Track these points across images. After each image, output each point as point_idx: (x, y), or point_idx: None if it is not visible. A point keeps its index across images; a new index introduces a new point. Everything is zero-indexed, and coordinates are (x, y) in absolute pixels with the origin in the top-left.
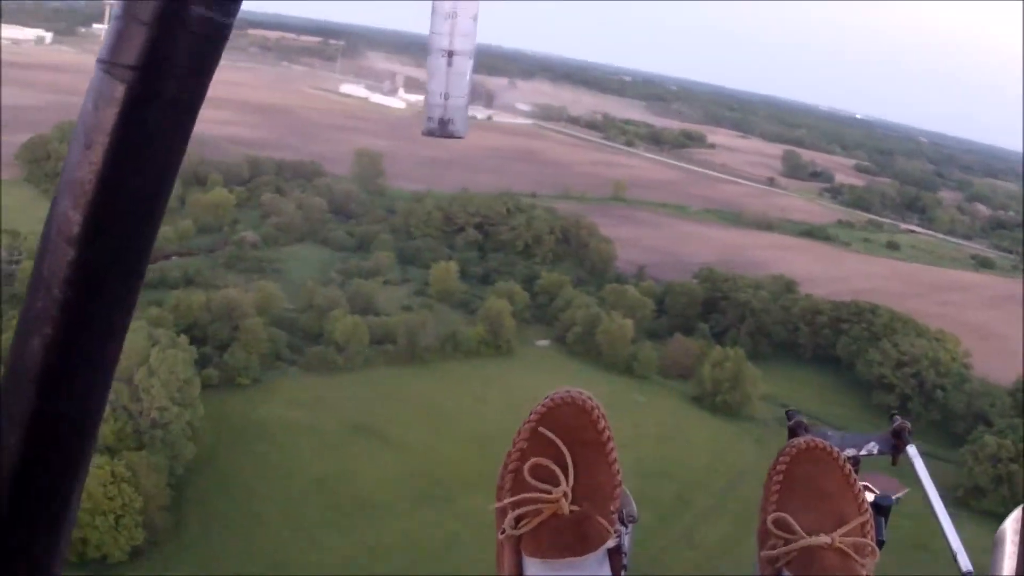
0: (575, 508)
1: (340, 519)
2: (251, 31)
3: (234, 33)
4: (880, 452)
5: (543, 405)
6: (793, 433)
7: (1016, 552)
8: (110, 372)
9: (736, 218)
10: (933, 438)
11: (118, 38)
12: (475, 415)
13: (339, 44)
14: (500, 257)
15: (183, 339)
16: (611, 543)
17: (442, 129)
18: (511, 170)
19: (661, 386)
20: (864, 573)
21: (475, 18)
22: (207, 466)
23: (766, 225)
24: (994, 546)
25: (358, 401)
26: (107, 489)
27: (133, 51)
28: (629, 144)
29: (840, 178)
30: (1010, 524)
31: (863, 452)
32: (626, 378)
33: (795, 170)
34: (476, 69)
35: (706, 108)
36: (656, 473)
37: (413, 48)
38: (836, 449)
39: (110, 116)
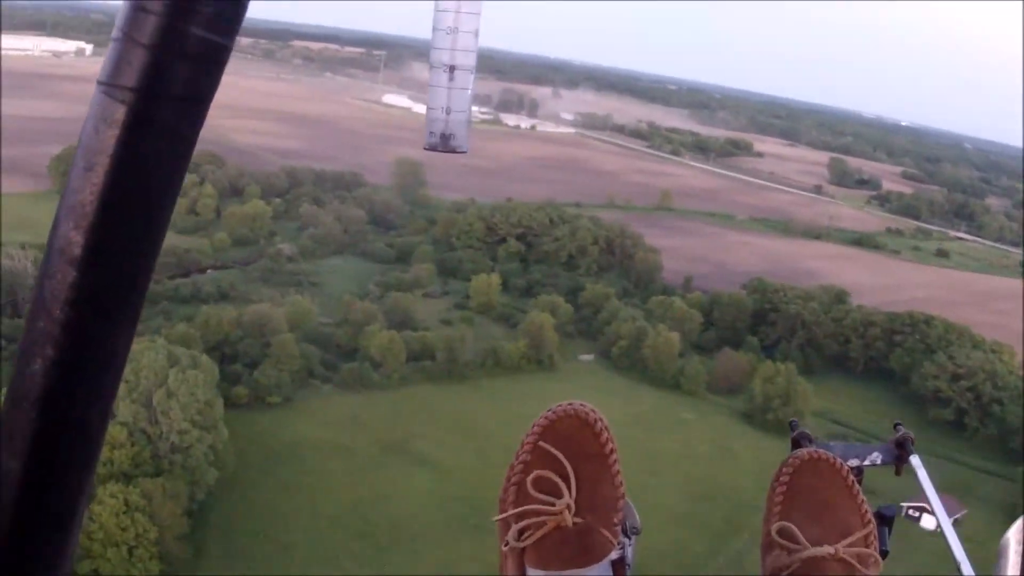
0: (578, 520)
1: (372, 549)
2: (295, 43)
3: (278, 45)
4: (883, 462)
5: (545, 418)
6: (796, 444)
7: (1020, 562)
8: (112, 393)
9: (784, 227)
10: (990, 454)
11: (118, 60)
12: (517, 434)
13: (382, 55)
14: (543, 269)
15: (205, 359)
16: (615, 555)
17: (444, 144)
18: (555, 179)
19: (709, 402)
20: None
21: (476, 33)
22: (231, 491)
23: (814, 234)
24: (998, 556)
25: (394, 420)
26: (120, 519)
27: (133, 73)
28: (675, 153)
29: (887, 185)
30: (1013, 534)
31: (866, 463)
32: (673, 394)
33: (842, 178)
34: (520, 79)
35: (752, 116)
36: (705, 495)
37: None
38: (839, 460)
39: (110, 138)
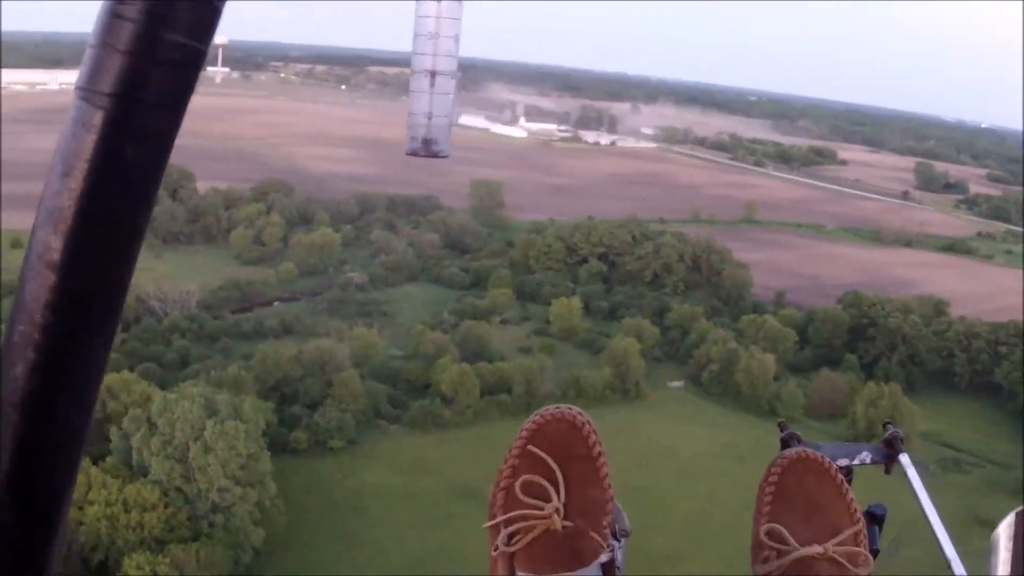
0: (568, 524)
1: None
2: (370, 68)
3: (352, 71)
4: (873, 461)
5: (533, 422)
6: (785, 444)
7: (1010, 558)
8: (93, 395)
9: (874, 235)
10: None
11: (95, 66)
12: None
13: (457, 76)
14: (627, 289)
15: (248, 407)
16: (604, 558)
17: (426, 148)
18: (637, 195)
19: (809, 428)
20: None
21: (457, 38)
22: (284, 550)
23: (905, 241)
24: (988, 552)
25: (466, 462)
26: None
27: (110, 79)
28: (758, 164)
29: (974, 188)
30: (1003, 530)
31: (856, 462)
32: (769, 421)
33: (929, 182)
34: (599, 96)
35: (833, 124)
36: None
37: (533, 78)
38: (828, 460)
39: (88, 143)
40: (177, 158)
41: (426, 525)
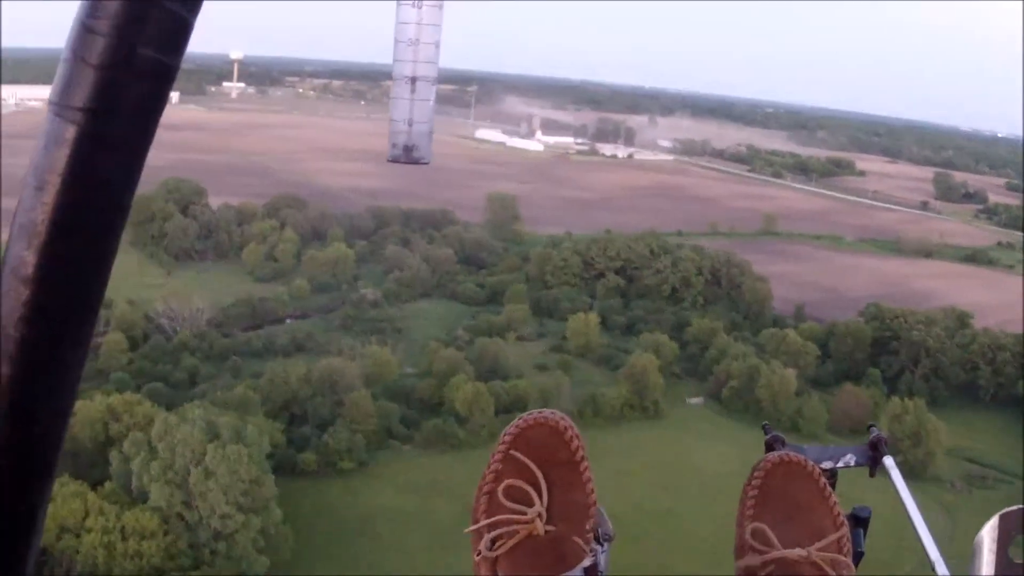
0: (550, 528)
1: None
2: (385, 82)
3: (368, 85)
4: (857, 464)
5: (515, 426)
6: (770, 447)
7: (994, 560)
8: (69, 408)
9: (894, 246)
10: None
11: (67, 81)
12: (620, 493)
13: (474, 90)
14: (645, 304)
15: (253, 430)
16: (587, 562)
17: (407, 155)
18: (654, 208)
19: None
20: None
21: (438, 45)
22: None
23: (926, 252)
24: (972, 555)
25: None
26: None
27: (82, 94)
28: (776, 175)
29: (993, 198)
30: (987, 532)
31: (840, 464)
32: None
33: (948, 192)
34: (616, 109)
35: (851, 135)
36: None
37: (549, 91)
38: (811, 463)
39: (61, 158)
40: (192, 173)
41: (438, 549)
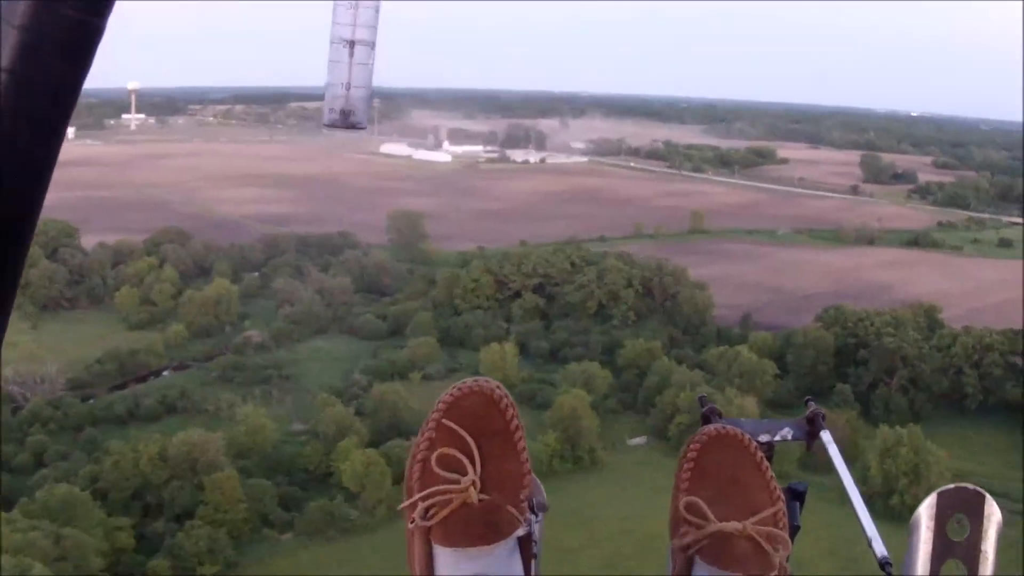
0: (484, 497)
1: None
2: (290, 104)
3: (272, 108)
4: (794, 438)
5: (449, 395)
6: (706, 420)
7: (931, 537)
8: None
9: (832, 235)
10: None
11: None
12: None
13: (377, 105)
14: (569, 325)
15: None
16: (521, 531)
17: (344, 120)
18: (573, 213)
19: (809, 486)
20: (776, 561)
21: (377, 9)
22: None
23: (867, 239)
24: (909, 532)
25: None
26: None
27: (7, 54)
28: (697, 170)
29: (922, 177)
30: (924, 510)
31: (777, 438)
32: None
33: (877, 174)
34: (526, 114)
35: (769, 124)
36: None
37: (458, 102)
38: (747, 436)
39: None
40: (77, 211)
41: None
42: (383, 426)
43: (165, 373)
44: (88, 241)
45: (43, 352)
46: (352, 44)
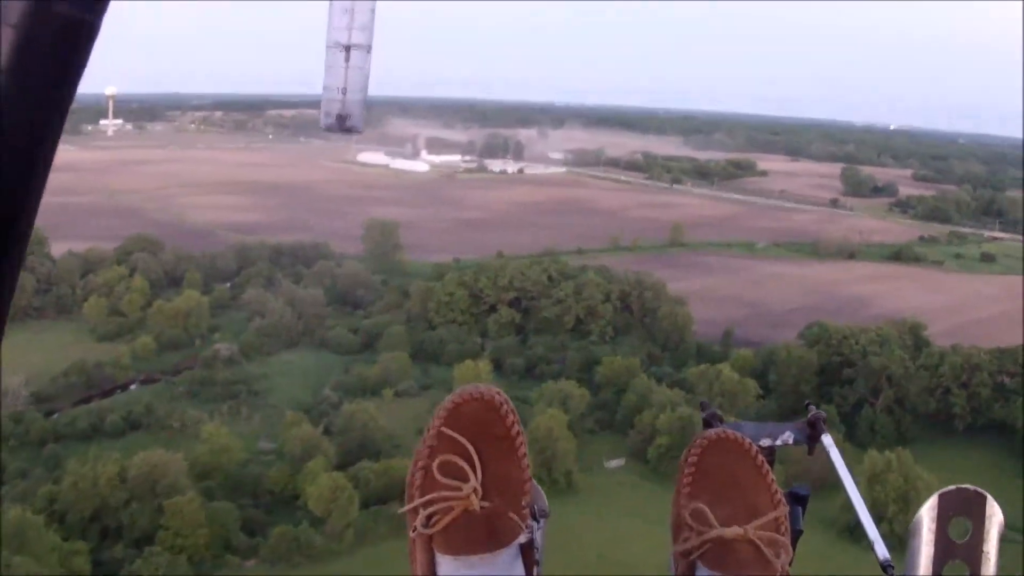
0: (486, 504)
1: None
2: (268, 112)
3: (250, 115)
4: (795, 442)
5: (451, 402)
6: (708, 424)
7: (933, 539)
8: None
9: (812, 249)
10: None
11: None
12: None
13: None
14: (545, 340)
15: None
16: (523, 538)
17: (340, 124)
18: (550, 224)
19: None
20: (778, 567)
21: (373, 11)
22: None
23: (847, 253)
24: (910, 535)
25: None
26: None
27: (1, 52)
28: (676, 181)
29: (902, 190)
30: (926, 512)
31: (778, 442)
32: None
33: (857, 187)
34: (504, 124)
35: (749, 136)
36: None
37: (438, 111)
38: (748, 440)
39: None
40: (48, 217)
41: None
42: (352, 446)
43: (133, 387)
44: (59, 248)
45: (7, 364)
46: (348, 48)
